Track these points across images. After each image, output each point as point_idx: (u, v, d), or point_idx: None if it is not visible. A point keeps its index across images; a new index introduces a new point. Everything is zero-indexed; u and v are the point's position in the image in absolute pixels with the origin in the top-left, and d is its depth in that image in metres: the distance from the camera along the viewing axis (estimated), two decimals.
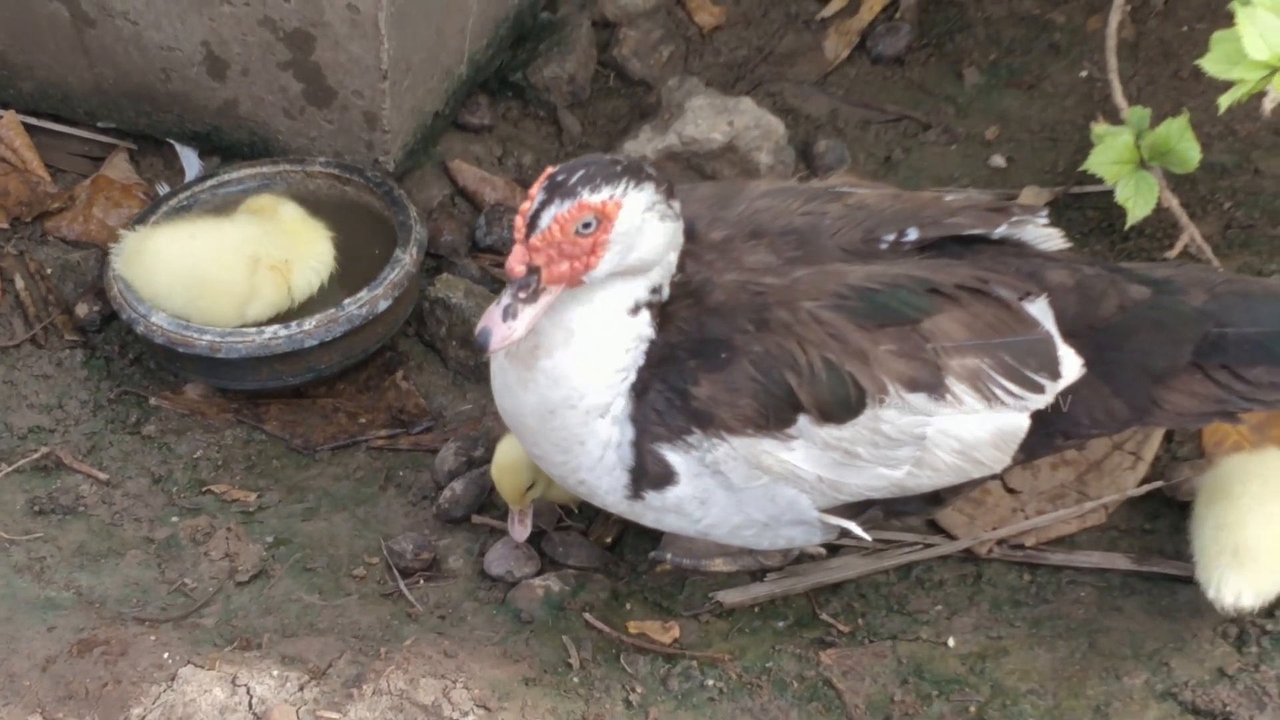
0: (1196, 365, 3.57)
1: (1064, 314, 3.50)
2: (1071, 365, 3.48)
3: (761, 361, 3.33)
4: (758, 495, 3.46)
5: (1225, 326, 3.57)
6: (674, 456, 3.41)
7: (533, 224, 3.16)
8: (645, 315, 3.35)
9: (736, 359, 3.33)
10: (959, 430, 3.43)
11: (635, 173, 3.23)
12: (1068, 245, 3.70)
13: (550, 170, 3.20)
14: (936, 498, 3.63)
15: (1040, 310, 3.47)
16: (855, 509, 3.56)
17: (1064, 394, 3.49)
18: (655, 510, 3.52)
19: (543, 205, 3.16)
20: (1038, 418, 3.49)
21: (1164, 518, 4.00)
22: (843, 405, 3.35)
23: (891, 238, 3.50)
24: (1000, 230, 3.58)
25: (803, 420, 3.36)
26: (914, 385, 3.36)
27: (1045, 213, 3.65)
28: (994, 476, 3.61)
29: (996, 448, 3.49)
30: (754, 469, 3.41)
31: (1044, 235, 3.64)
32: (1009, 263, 3.54)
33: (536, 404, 3.39)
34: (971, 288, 3.42)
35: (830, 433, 3.37)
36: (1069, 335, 3.49)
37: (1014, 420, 3.46)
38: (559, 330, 3.31)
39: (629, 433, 3.40)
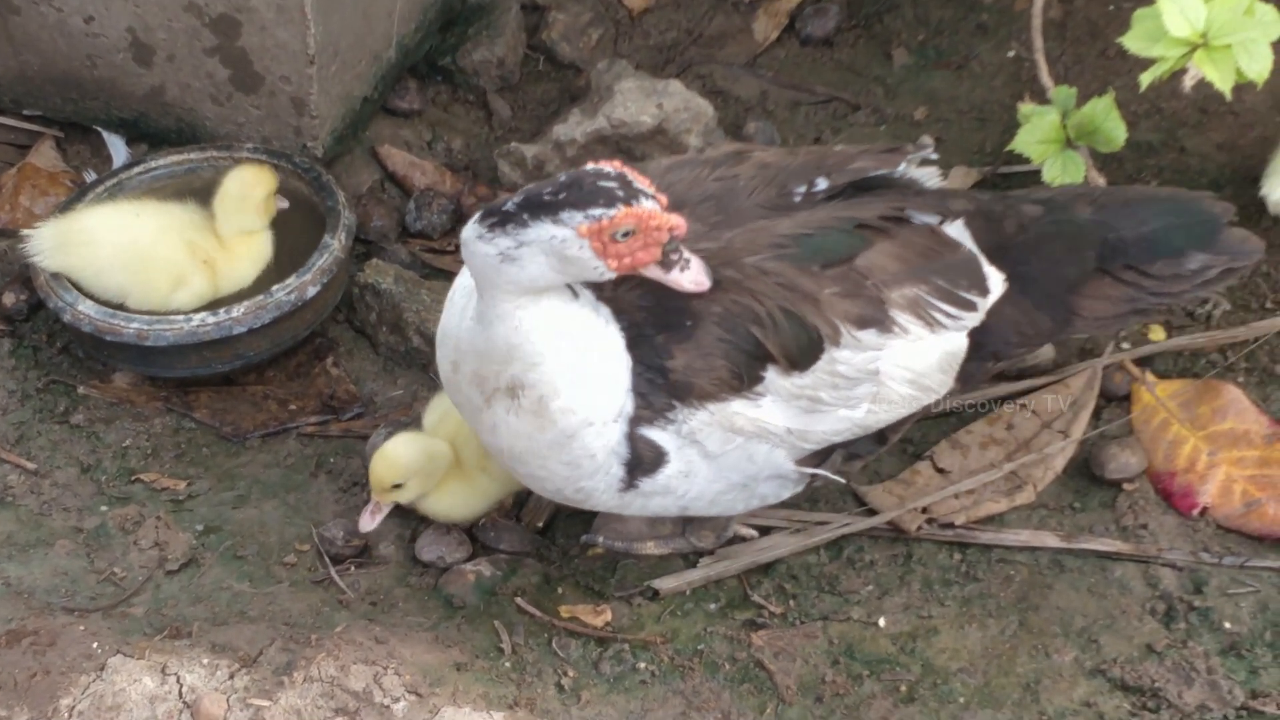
0: (1104, 270, 3.73)
1: (975, 237, 3.62)
2: (996, 280, 3.61)
3: (725, 320, 3.36)
4: (735, 458, 3.48)
5: (1118, 231, 3.73)
6: (660, 436, 3.42)
7: (661, 203, 3.20)
8: (605, 309, 3.36)
9: (701, 322, 3.36)
10: (909, 360, 3.51)
11: None
12: (951, 187, 3.84)
13: (612, 207, 3.14)
14: (881, 437, 3.69)
15: (958, 231, 3.60)
16: (819, 457, 3.61)
17: (990, 312, 3.61)
18: (644, 496, 3.53)
19: (648, 197, 3.17)
20: (971, 341, 3.59)
21: (1093, 496, 4.02)
22: (805, 350, 3.40)
23: (803, 189, 3.56)
24: (901, 168, 3.69)
25: (770, 373, 3.40)
26: (863, 322, 3.43)
27: (930, 149, 3.76)
28: (937, 402, 3.69)
29: (943, 371, 3.59)
30: (728, 432, 3.43)
31: (927, 174, 3.76)
32: (915, 199, 3.64)
33: (555, 437, 3.38)
34: (893, 217, 3.53)
35: (794, 382, 3.42)
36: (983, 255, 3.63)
37: (956, 341, 3.57)
38: (557, 373, 3.31)
39: (624, 427, 3.41)
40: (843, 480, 3.72)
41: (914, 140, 4.83)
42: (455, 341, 3.43)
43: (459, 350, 3.42)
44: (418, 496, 3.92)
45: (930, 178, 3.75)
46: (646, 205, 3.14)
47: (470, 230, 3.20)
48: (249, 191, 4.30)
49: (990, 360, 3.70)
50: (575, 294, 3.32)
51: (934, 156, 3.75)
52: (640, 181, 3.17)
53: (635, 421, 3.40)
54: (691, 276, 3.25)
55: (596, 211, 3.12)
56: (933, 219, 3.58)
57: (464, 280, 3.46)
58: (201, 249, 4.29)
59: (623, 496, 3.53)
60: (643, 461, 3.44)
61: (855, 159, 3.64)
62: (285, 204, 4.40)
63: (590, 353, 3.32)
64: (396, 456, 3.87)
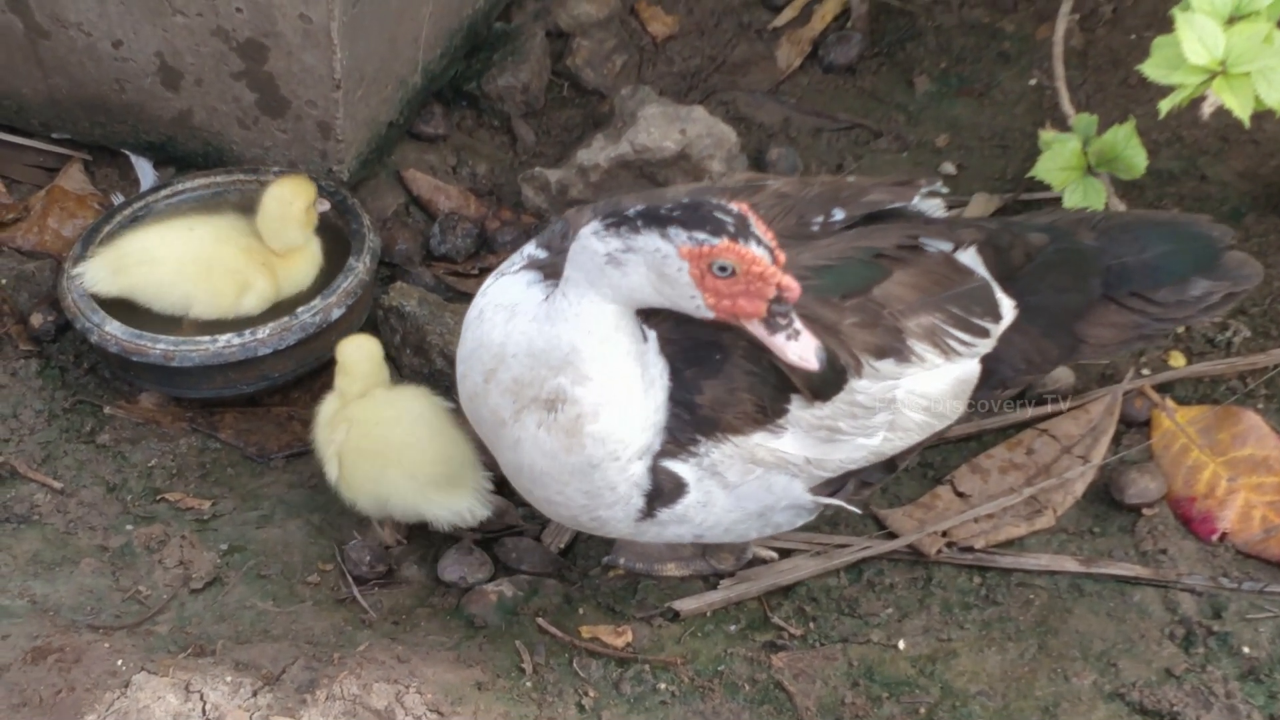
0: (1109, 297, 3.75)
1: (987, 264, 3.63)
2: (1007, 306, 3.62)
3: (751, 353, 3.35)
4: (754, 488, 3.48)
5: (1122, 258, 3.76)
6: (681, 468, 3.42)
7: (772, 253, 3.14)
8: (654, 340, 3.36)
9: (729, 357, 3.36)
10: (925, 387, 3.52)
11: None
12: (958, 217, 3.86)
13: (718, 237, 3.11)
14: (891, 465, 3.69)
15: (971, 259, 3.61)
16: (833, 485, 3.61)
17: (1000, 340, 3.62)
18: (660, 525, 3.53)
19: (758, 241, 3.13)
20: (982, 368, 3.61)
21: (1112, 521, 4.03)
22: (829, 383, 3.40)
23: (820, 219, 3.57)
24: (914, 201, 3.70)
25: (794, 405, 3.40)
26: (881, 352, 3.44)
27: (939, 183, 3.78)
28: (948, 428, 3.70)
29: (956, 397, 3.60)
30: (748, 464, 3.43)
31: (933, 205, 3.77)
32: (927, 228, 3.65)
33: (580, 462, 3.37)
34: (908, 246, 3.53)
35: (815, 413, 3.43)
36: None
37: (969, 368, 3.58)
38: (601, 395, 3.30)
39: (648, 462, 3.42)
40: (857, 510, 3.72)
41: (936, 167, 4.87)
42: (499, 348, 3.36)
43: (501, 356, 3.36)
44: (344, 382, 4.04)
45: (937, 209, 3.76)
46: (753, 248, 3.11)
47: (589, 227, 3.20)
48: (288, 207, 4.34)
49: (999, 387, 3.71)
50: (645, 337, 3.33)
51: (942, 190, 3.77)
52: (759, 227, 3.14)
53: (659, 455, 3.40)
54: (798, 349, 3.20)
55: (700, 235, 3.11)
56: (946, 246, 3.58)
57: (502, 297, 3.42)
58: (259, 253, 4.35)
59: (639, 525, 3.53)
60: (663, 493, 3.44)
61: (870, 191, 3.66)
62: (326, 206, 4.44)
63: (638, 391, 3.32)
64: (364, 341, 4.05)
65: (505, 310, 3.39)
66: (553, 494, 3.48)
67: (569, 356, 3.27)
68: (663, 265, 3.14)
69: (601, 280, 3.21)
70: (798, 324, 3.19)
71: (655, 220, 3.14)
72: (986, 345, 3.58)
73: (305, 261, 4.42)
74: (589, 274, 3.21)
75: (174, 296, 4.31)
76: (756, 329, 3.20)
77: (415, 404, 4.02)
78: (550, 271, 3.39)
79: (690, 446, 3.39)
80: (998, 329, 3.59)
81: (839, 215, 3.58)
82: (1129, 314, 3.76)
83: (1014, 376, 3.71)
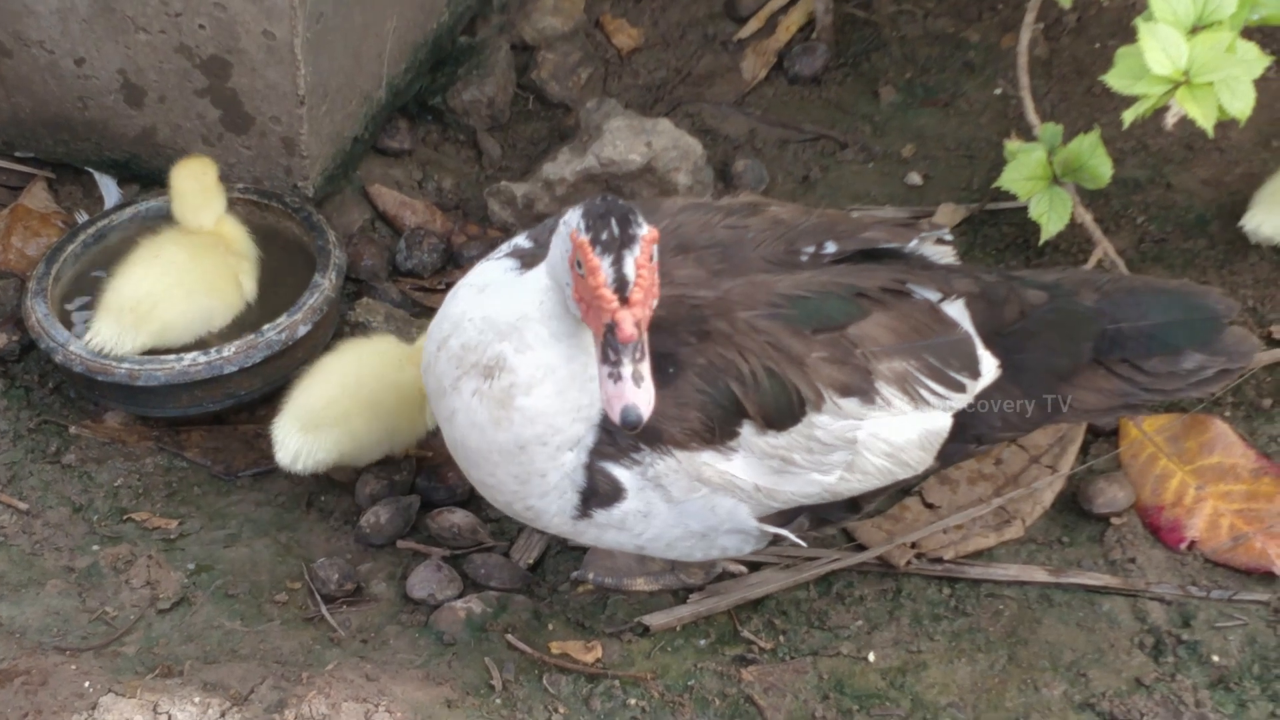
0: (1098, 362, 3.71)
1: (974, 320, 3.59)
2: (989, 364, 3.58)
3: (706, 372, 3.35)
4: (698, 507, 3.48)
5: (1119, 322, 3.72)
6: (621, 473, 3.42)
7: (622, 283, 3.07)
8: None
9: (683, 372, 3.36)
10: (888, 433, 3.50)
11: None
12: (959, 264, 3.79)
13: (587, 233, 3.08)
14: (855, 505, 3.67)
15: (958, 311, 3.57)
16: (785, 517, 3.59)
17: (979, 396, 3.58)
18: (598, 528, 3.53)
19: (617, 262, 3.07)
20: (954, 422, 3.57)
21: (1081, 530, 4.04)
22: (785, 413, 3.39)
23: (811, 250, 3.56)
24: (912, 245, 3.67)
25: (746, 430, 3.39)
26: (846, 390, 3.42)
27: (946, 230, 3.74)
28: (916, 478, 3.68)
29: (922, 449, 3.56)
30: (694, 481, 3.43)
31: (941, 252, 3.73)
32: (919, 273, 3.62)
33: (508, 441, 3.38)
34: (893, 290, 3.50)
35: (769, 441, 3.42)
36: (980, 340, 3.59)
37: (939, 420, 3.55)
38: (538, 368, 3.30)
39: (583, 456, 3.41)
40: (804, 544, 3.67)
41: (902, 177, 4.87)
42: (458, 316, 3.39)
43: (458, 323, 3.38)
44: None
45: (944, 255, 3.73)
46: (602, 264, 3.06)
47: None
48: (204, 179, 4.36)
49: (973, 443, 3.68)
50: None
51: (948, 238, 3.74)
52: (637, 256, 3.06)
53: (596, 454, 3.40)
54: (609, 391, 3.09)
55: (581, 224, 3.09)
56: (933, 295, 3.56)
57: (477, 279, 3.47)
58: (212, 240, 4.35)
59: (576, 524, 3.53)
60: (598, 493, 3.45)
61: (868, 228, 3.64)
62: None
63: (575, 377, 3.32)
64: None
65: (475, 288, 3.44)
66: (485, 475, 3.50)
67: (518, 323, 3.29)
68: (562, 240, 3.15)
69: (550, 252, 3.24)
70: (625, 370, 3.07)
71: (585, 204, 3.15)
72: (961, 400, 3.56)
73: (238, 227, 4.42)
74: (551, 250, 3.25)
75: (198, 320, 4.30)
76: (596, 349, 3.14)
77: (380, 355, 4.12)
78: (530, 261, 3.42)
79: (631, 453, 3.40)
80: (975, 385, 3.57)
81: (831, 248, 3.57)
82: (1117, 381, 3.72)
83: (990, 434, 3.68)
